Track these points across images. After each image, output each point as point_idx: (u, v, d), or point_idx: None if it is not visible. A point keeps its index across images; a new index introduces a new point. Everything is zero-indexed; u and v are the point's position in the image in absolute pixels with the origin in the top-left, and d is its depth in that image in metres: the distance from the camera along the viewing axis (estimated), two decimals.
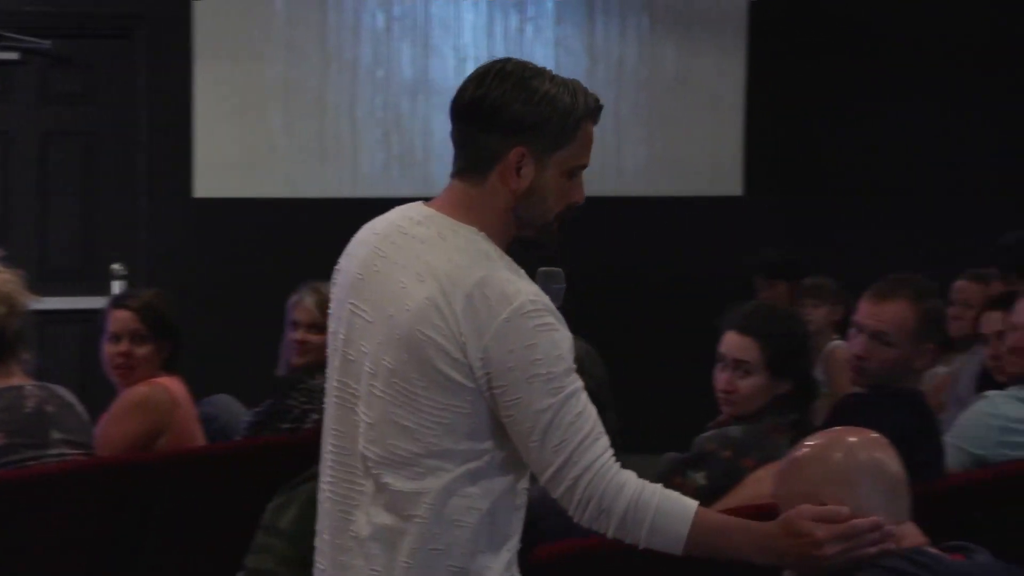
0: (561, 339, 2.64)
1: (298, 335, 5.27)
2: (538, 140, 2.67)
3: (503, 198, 2.70)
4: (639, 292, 8.34)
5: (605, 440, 2.66)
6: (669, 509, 2.65)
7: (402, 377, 2.65)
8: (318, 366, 5.06)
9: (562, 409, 2.61)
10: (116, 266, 7.92)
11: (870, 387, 4.26)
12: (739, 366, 4.06)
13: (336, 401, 2.76)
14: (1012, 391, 4.78)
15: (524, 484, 2.75)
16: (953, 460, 4.56)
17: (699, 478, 3.95)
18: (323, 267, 6.15)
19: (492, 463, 2.68)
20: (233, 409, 5.51)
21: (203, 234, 7.91)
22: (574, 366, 2.65)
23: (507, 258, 2.69)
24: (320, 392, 4.85)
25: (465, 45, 8.33)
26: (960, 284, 6.21)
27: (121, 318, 4.95)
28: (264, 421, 5.16)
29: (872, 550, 2.62)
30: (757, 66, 8.73)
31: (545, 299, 2.65)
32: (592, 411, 2.65)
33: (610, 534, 2.66)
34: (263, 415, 5.18)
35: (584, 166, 2.75)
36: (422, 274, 2.65)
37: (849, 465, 2.68)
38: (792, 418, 4.04)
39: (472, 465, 2.66)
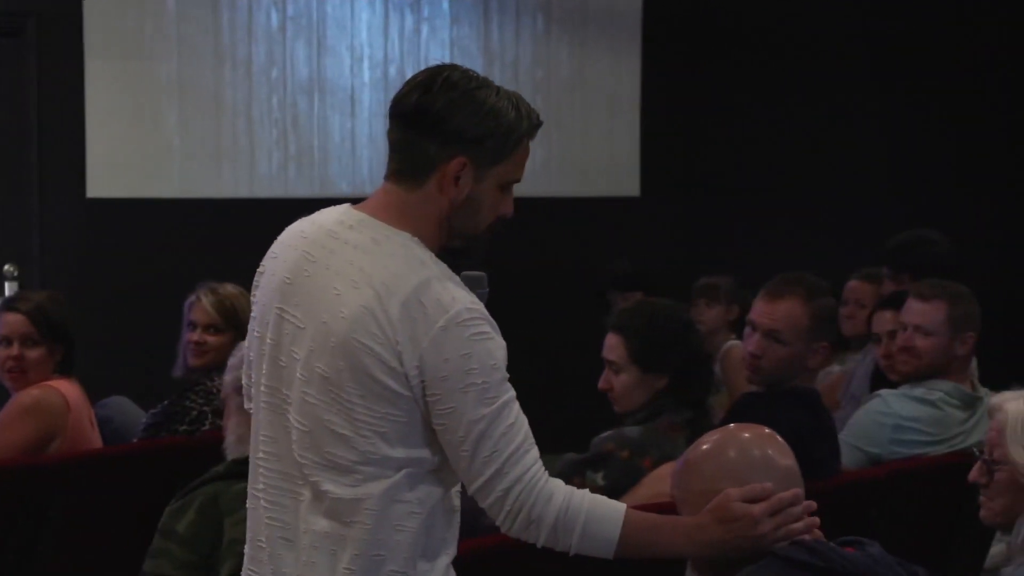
0: (496, 348, 2.63)
1: (195, 336, 5.24)
2: (480, 153, 2.67)
3: (439, 206, 2.69)
4: (537, 292, 8.36)
5: (535, 451, 2.66)
6: (599, 514, 2.66)
7: (337, 385, 2.63)
8: (216, 367, 5.03)
9: (496, 420, 2.61)
10: (8, 267, 7.82)
11: (766, 386, 4.30)
12: (611, 364, 4.13)
13: (265, 406, 2.73)
14: (904, 389, 4.85)
15: (458, 488, 2.74)
16: (848, 459, 4.62)
17: (598, 478, 3.97)
18: (219, 267, 6.12)
19: (430, 468, 2.68)
20: (129, 411, 5.46)
21: (97, 235, 7.83)
22: (507, 375, 2.65)
23: (442, 265, 2.68)
24: (217, 393, 4.84)
25: (360, 45, 8.30)
26: (852, 284, 6.28)
27: (11, 321, 4.88)
28: (161, 422, 5.12)
29: (799, 526, 2.67)
30: (652, 67, 8.78)
31: (481, 308, 2.65)
32: (524, 422, 2.66)
33: (540, 543, 2.67)
34: (160, 416, 5.14)
35: (518, 180, 2.75)
36: (357, 281, 2.63)
37: (743, 462, 2.72)
38: (688, 416, 4.08)
39: (411, 470, 2.65)
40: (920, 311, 4.83)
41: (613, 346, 4.14)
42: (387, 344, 2.60)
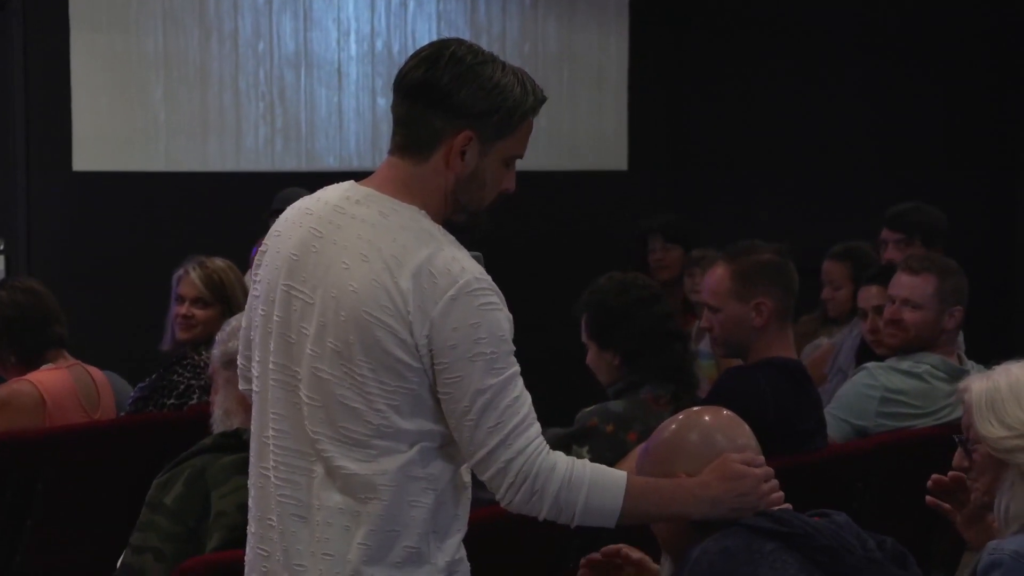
0: (504, 320, 2.65)
1: (183, 310, 5.23)
2: (486, 127, 2.69)
3: (445, 179, 2.70)
4: (524, 266, 8.35)
5: (538, 426, 2.67)
6: (602, 482, 2.67)
7: (348, 359, 2.63)
8: (203, 341, 5.03)
9: (502, 391, 2.62)
10: None
11: (737, 357, 4.34)
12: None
13: (274, 384, 2.72)
14: (891, 362, 4.87)
15: (468, 465, 2.74)
16: (835, 431, 4.63)
17: (583, 453, 3.99)
18: (206, 241, 6.10)
19: (443, 443, 2.68)
20: (117, 386, 5.45)
21: (83, 208, 7.80)
22: (514, 348, 2.67)
23: (450, 236, 2.70)
24: (205, 368, 4.84)
25: (347, 18, 8.28)
26: (827, 265, 6.30)
27: None
28: (148, 396, 5.12)
29: (781, 494, 2.73)
30: (640, 41, 8.77)
31: (489, 279, 2.66)
32: (527, 396, 2.67)
33: (542, 516, 2.67)
34: (147, 390, 5.14)
35: (520, 156, 2.77)
36: (366, 254, 2.64)
37: (704, 445, 2.76)
38: (672, 390, 4.10)
39: (425, 444, 2.66)
40: (909, 284, 4.85)
41: (582, 324, 4.22)
42: (398, 316, 2.61)
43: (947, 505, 3.09)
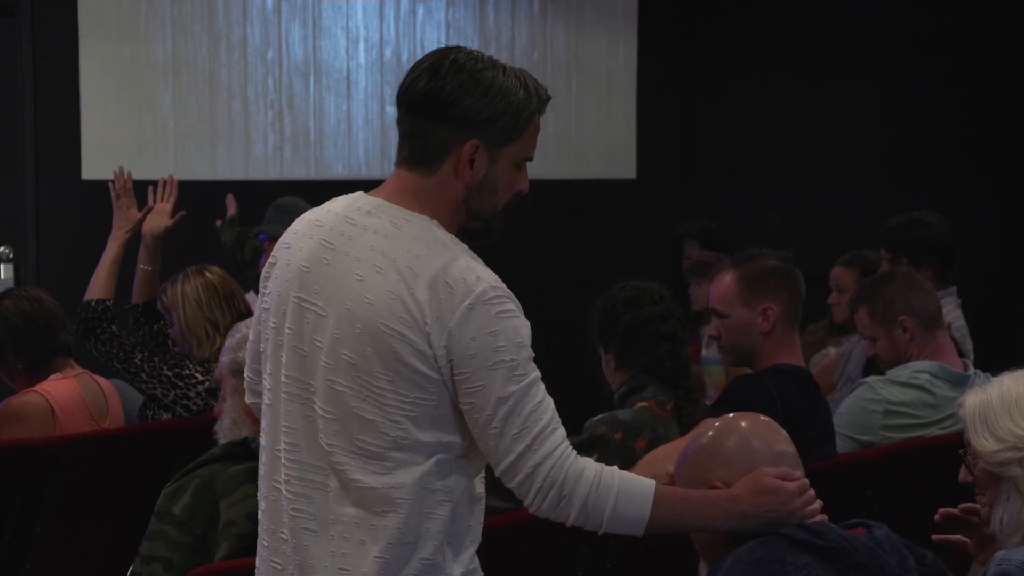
0: (522, 326, 2.66)
1: None
2: (492, 134, 2.68)
3: (455, 189, 2.70)
4: (532, 275, 8.35)
5: (563, 430, 2.67)
6: (630, 490, 2.66)
7: (365, 371, 2.63)
8: None
9: (524, 397, 2.62)
10: (3, 249, 7.81)
11: (743, 363, 4.35)
12: None
13: (286, 397, 2.71)
14: (890, 374, 4.84)
15: (482, 476, 2.75)
16: (841, 449, 4.61)
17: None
18: (215, 250, 6.08)
19: (459, 454, 2.68)
20: (124, 394, 5.45)
21: (92, 216, 7.80)
22: (533, 354, 2.67)
23: (463, 244, 2.69)
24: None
25: (356, 26, 8.29)
26: (835, 271, 6.29)
27: None
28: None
29: (817, 507, 2.72)
30: (649, 48, 8.77)
31: (504, 286, 2.66)
32: (550, 401, 2.67)
33: (570, 522, 2.66)
34: None
35: (531, 157, 2.76)
36: (381, 265, 2.63)
37: (742, 450, 2.75)
38: (672, 395, 4.11)
39: (441, 456, 2.66)
40: (857, 321, 4.93)
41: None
42: (416, 327, 2.60)
43: (955, 537, 3.09)
